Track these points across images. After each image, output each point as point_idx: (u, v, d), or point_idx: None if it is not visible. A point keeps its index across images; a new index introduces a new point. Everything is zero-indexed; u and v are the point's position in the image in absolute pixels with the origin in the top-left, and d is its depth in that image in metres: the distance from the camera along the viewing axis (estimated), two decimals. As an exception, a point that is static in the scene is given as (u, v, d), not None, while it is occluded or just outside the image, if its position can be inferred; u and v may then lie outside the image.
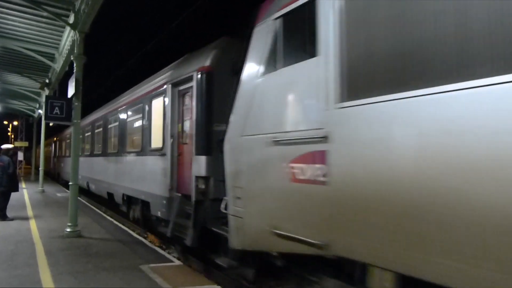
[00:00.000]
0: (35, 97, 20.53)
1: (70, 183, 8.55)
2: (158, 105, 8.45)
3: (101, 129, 14.09)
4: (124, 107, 11.32)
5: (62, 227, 8.68)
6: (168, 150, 7.66)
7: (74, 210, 8.34)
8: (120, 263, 6.22)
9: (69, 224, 8.26)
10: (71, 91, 9.35)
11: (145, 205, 8.90)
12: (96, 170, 14.30)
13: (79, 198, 10.37)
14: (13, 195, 10.66)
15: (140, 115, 9.63)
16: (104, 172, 12.95)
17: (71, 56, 8.98)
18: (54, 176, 28.56)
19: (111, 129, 12.68)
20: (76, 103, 8.51)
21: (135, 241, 8.02)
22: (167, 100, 7.87)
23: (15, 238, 7.89)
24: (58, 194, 17.60)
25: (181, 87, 7.52)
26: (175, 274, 5.73)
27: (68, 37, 11.43)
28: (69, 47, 11.43)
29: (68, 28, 10.63)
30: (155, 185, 8.11)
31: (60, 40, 12.38)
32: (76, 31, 8.62)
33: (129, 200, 10.41)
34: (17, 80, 18.23)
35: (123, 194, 10.66)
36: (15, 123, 45.46)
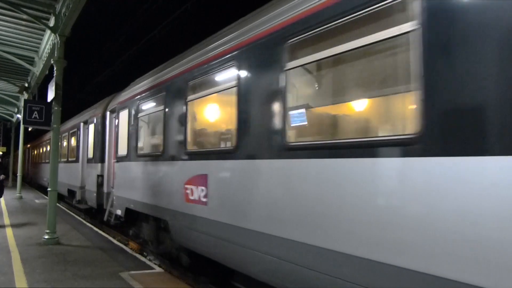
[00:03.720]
0: (14, 101, 20.05)
1: (48, 189, 8.36)
2: None
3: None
4: None
5: (40, 234, 8.46)
6: None
7: (53, 217, 8.14)
8: (99, 270, 6.09)
9: (47, 231, 8.06)
10: (51, 95, 9.17)
11: None
12: None
13: (58, 204, 10.13)
14: None
15: None
16: None
17: (51, 59, 8.82)
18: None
19: None
20: (56, 108, 8.35)
21: (116, 248, 7.87)
22: None
23: (-10, 246, 7.65)
24: (37, 201, 17.18)
25: None
26: (155, 281, 5.66)
27: (48, 40, 11.24)
28: (49, 51, 11.23)
29: (48, 31, 10.46)
30: None
31: (40, 44, 12.17)
32: (57, 35, 8.48)
33: None
34: (-5, 84, 17.81)
35: None
36: (-8, 127, 44.25)
